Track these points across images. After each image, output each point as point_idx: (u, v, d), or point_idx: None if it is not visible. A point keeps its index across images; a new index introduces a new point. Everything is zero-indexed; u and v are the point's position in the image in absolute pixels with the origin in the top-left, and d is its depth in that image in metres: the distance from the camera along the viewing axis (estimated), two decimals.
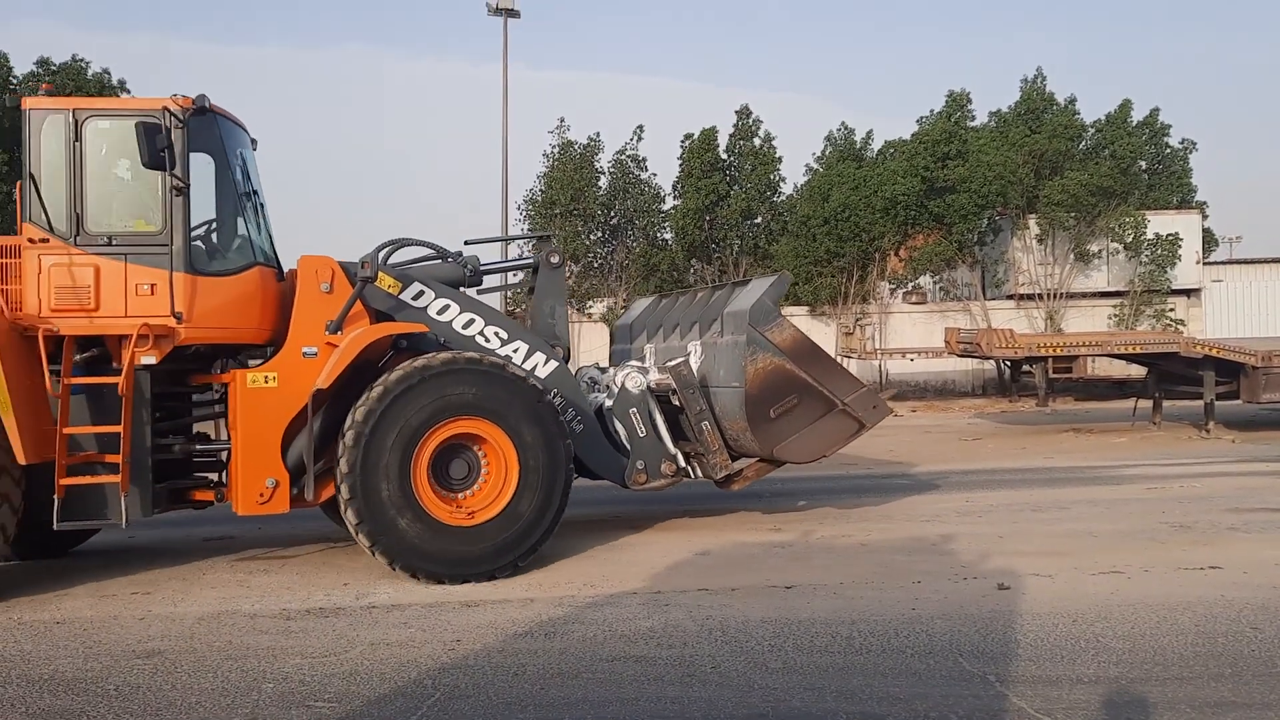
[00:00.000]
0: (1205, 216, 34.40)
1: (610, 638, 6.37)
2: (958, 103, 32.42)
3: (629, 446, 9.57)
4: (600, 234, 32.70)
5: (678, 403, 9.63)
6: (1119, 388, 20.70)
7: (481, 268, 9.88)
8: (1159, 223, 31.02)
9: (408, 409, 8.05)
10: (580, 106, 69.67)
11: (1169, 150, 35.23)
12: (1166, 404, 18.98)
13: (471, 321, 9.18)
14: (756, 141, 32.38)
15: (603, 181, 32.64)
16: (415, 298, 9.01)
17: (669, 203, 32.98)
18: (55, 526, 7.62)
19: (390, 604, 7.38)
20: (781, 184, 32.98)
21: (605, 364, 12.01)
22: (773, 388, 9.42)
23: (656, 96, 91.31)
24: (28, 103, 7.98)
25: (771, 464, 10.08)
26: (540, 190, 32.45)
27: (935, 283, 33.53)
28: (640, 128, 33.19)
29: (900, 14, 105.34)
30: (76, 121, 7.86)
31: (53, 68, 27.74)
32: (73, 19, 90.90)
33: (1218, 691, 5.16)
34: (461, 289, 9.51)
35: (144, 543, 10.02)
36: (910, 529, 9.79)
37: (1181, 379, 18.02)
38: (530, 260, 10.51)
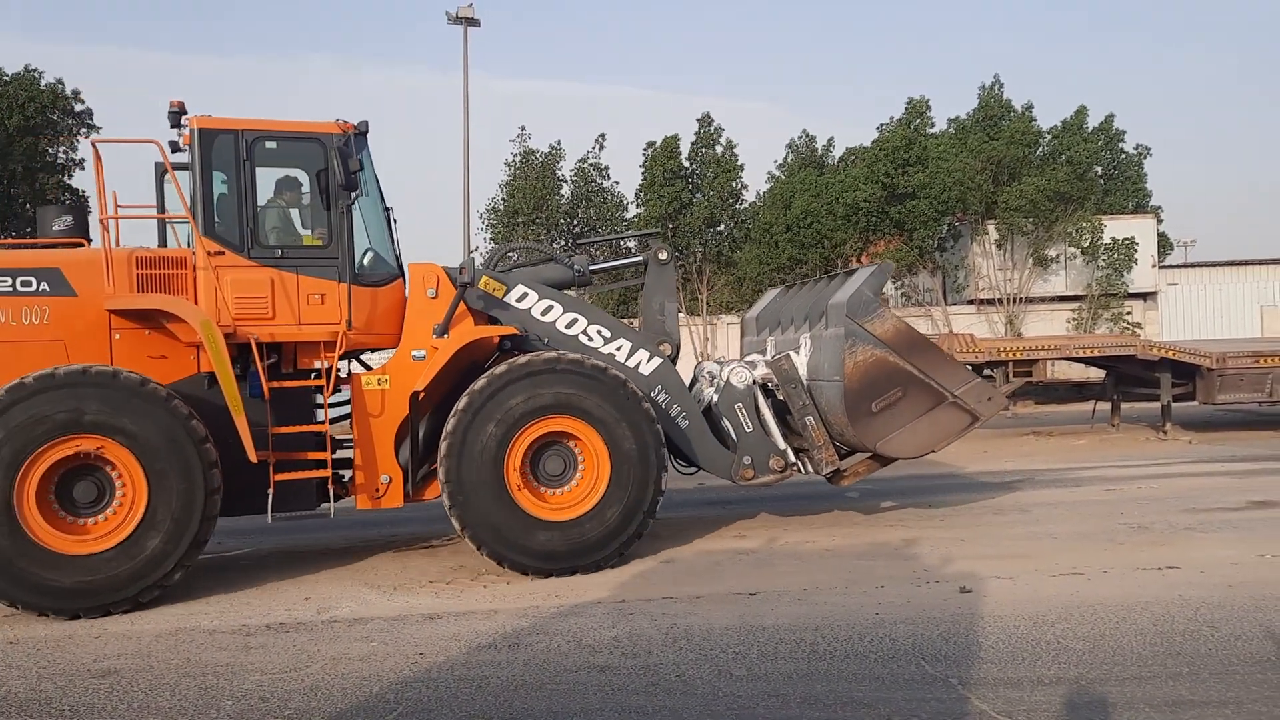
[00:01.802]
0: (1160, 221, 34.93)
1: (574, 648, 6.35)
2: (917, 110, 32.76)
3: (736, 441, 9.61)
4: (563, 243, 32.67)
5: (782, 397, 9.65)
6: (1078, 390, 20.92)
7: (591, 268, 10.19)
8: (1115, 227, 31.47)
9: (507, 402, 8.41)
10: (542, 115, 69.61)
11: (1124, 155, 35.82)
12: (1125, 406, 19.23)
13: (574, 321, 9.46)
14: (718, 149, 32.51)
15: (565, 190, 32.64)
16: (519, 300, 9.34)
17: (632, 211, 33.02)
18: (269, 519, 8.25)
19: (352, 618, 7.30)
20: (744, 191, 33.14)
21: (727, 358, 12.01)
22: (874, 381, 9.27)
23: (618, 105, 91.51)
24: (197, 122, 8.29)
25: (881, 459, 9.96)
26: (502, 199, 32.39)
27: (897, 288, 33.82)
28: (602, 136, 33.29)
29: (860, 21, 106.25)
30: (246, 142, 8.30)
31: (4, 78, 27.32)
32: (24, 28, 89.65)
33: (1175, 690, 5.22)
34: (571, 290, 9.83)
35: None
36: (874, 534, 9.84)
37: (1139, 381, 18.25)
38: (639, 258, 10.69)
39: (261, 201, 8.51)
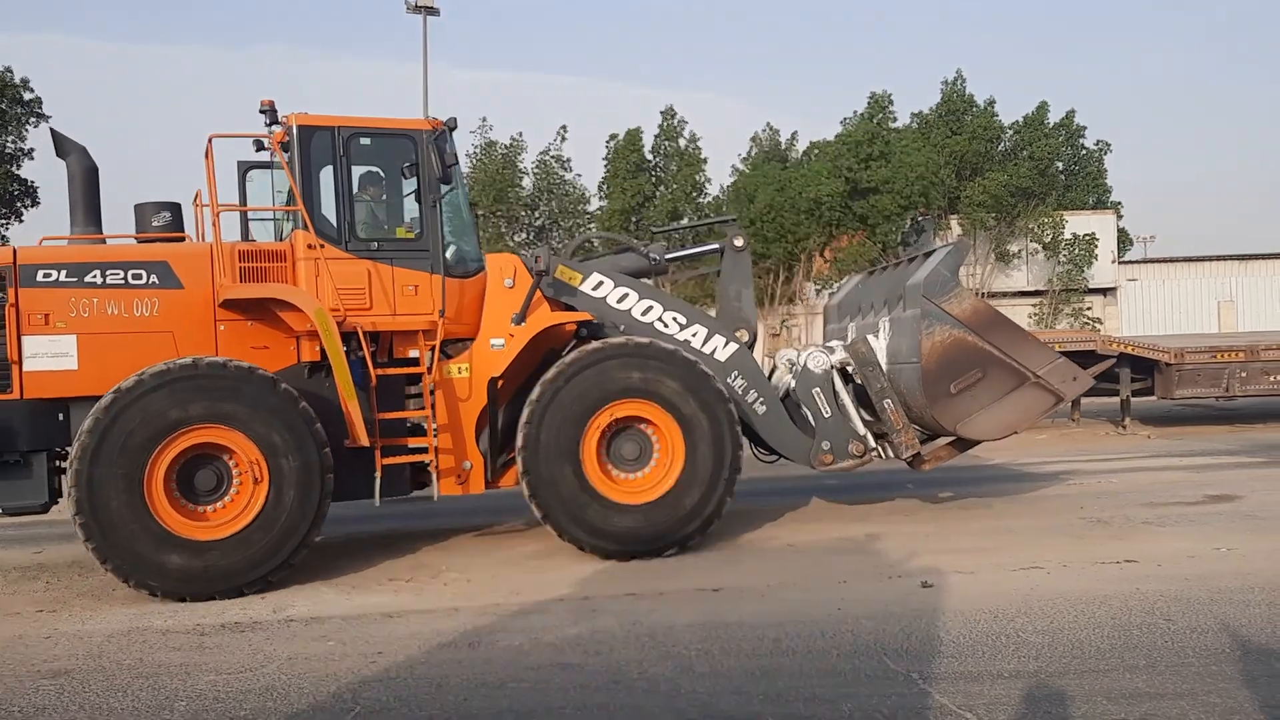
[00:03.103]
0: (1120, 217, 35.40)
1: (536, 646, 6.30)
2: (880, 104, 32.92)
3: (815, 427, 9.61)
4: (525, 235, 32.54)
5: (860, 381, 9.64)
6: None
7: (667, 257, 10.35)
8: (1076, 223, 31.83)
9: (580, 388, 8.63)
10: (503, 106, 69.35)
11: (1085, 151, 36.20)
12: (1085, 401, 19.41)
13: (650, 308, 9.59)
14: (682, 142, 32.54)
15: (526, 182, 32.52)
16: (595, 288, 9.52)
17: (595, 204, 32.94)
18: (377, 503, 8.53)
19: (309, 617, 7.20)
20: (707, 185, 33.17)
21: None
22: (952, 362, 9.19)
23: (580, 97, 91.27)
24: (296, 119, 8.54)
25: (963, 443, 9.90)
26: None
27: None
28: (564, 128, 33.20)
29: (824, 14, 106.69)
30: (343, 138, 8.58)
31: None
32: None
33: (1133, 683, 5.26)
34: (649, 278, 10.00)
35: (52, 560, 9.66)
36: (837, 529, 9.86)
37: (1098, 376, 18.44)
38: (716, 246, 10.73)
39: (361, 195, 8.88)
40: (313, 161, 8.54)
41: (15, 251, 8.19)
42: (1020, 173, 31.21)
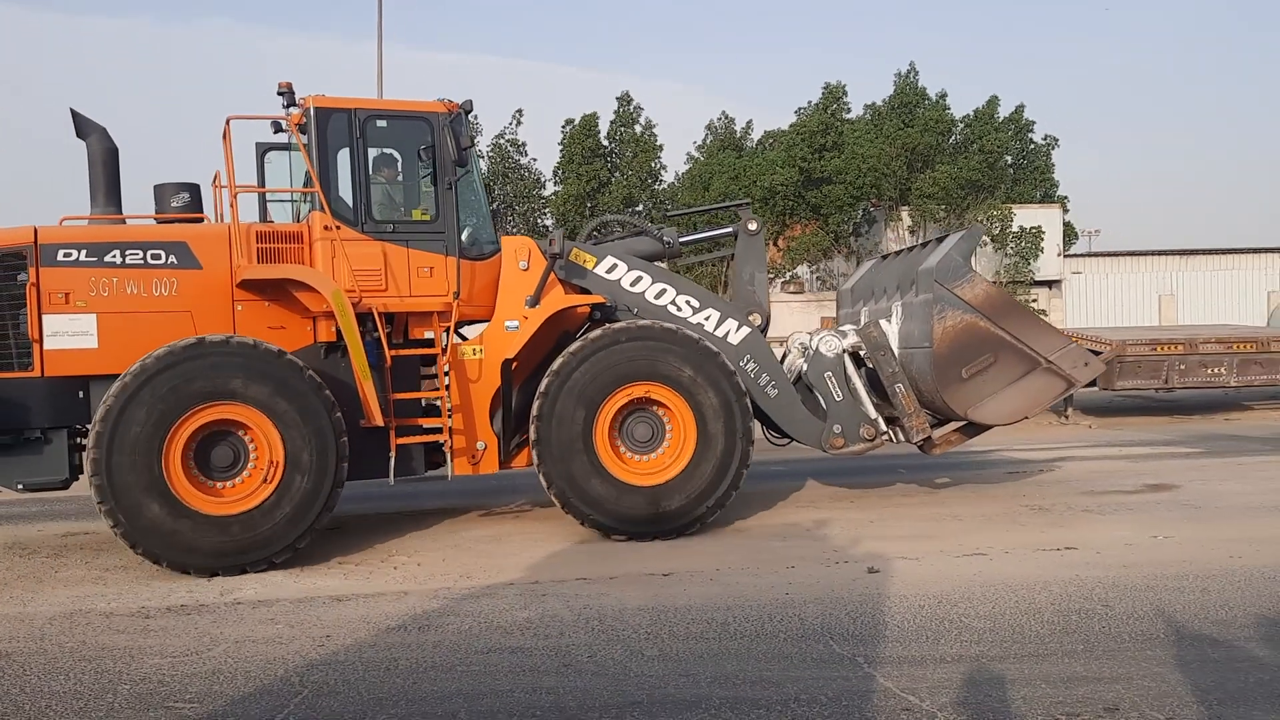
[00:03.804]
0: (1066, 211, 35.94)
1: (485, 629, 6.30)
2: (834, 95, 33.10)
3: (826, 410, 9.66)
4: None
5: (872, 365, 9.68)
6: None
7: (681, 240, 10.41)
8: (1023, 216, 32.26)
9: (597, 367, 8.78)
10: (458, 89, 68.51)
11: (1033, 146, 36.68)
12: None
13: (664, 292, 9.64)
14: (638, 129, 32.48)
15: (481, 165, 32.29)
16: (609, 271, 9.59)
17: (550, 189, 32.81)
18: (391, 482, 8.64)
19: (257, 600, 7.15)
20: (663, 172, 33.18)
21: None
22: (964, 347, 9.24)
23: (537, 81, 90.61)
24: (312, 101, 8.59)
25: (976, 428, 9.95)
26: None
27: (812, 273, 34.21)
28: (519, 112, 33.03)
29: (779, 3, 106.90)
30: (359, 120, 8.62)
31: None
32: None
33: (1071, 667, 5.38)
34: (662, 261, 10.05)
35: None
36: (785, 515, 9.96)
37: None
38: (729, 229, 10.75)
39: (377, 177, 8.94)
40: (329, 143, 8.62)
41: (36, 231, 8.22)
42: (970, 166, 31.56)
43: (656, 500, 8.86)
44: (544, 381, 8.77)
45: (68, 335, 8.13)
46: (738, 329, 9.67)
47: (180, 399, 7.67)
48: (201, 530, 7.70)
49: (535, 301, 9.10)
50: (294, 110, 8.82)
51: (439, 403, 8.91)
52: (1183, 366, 17.68)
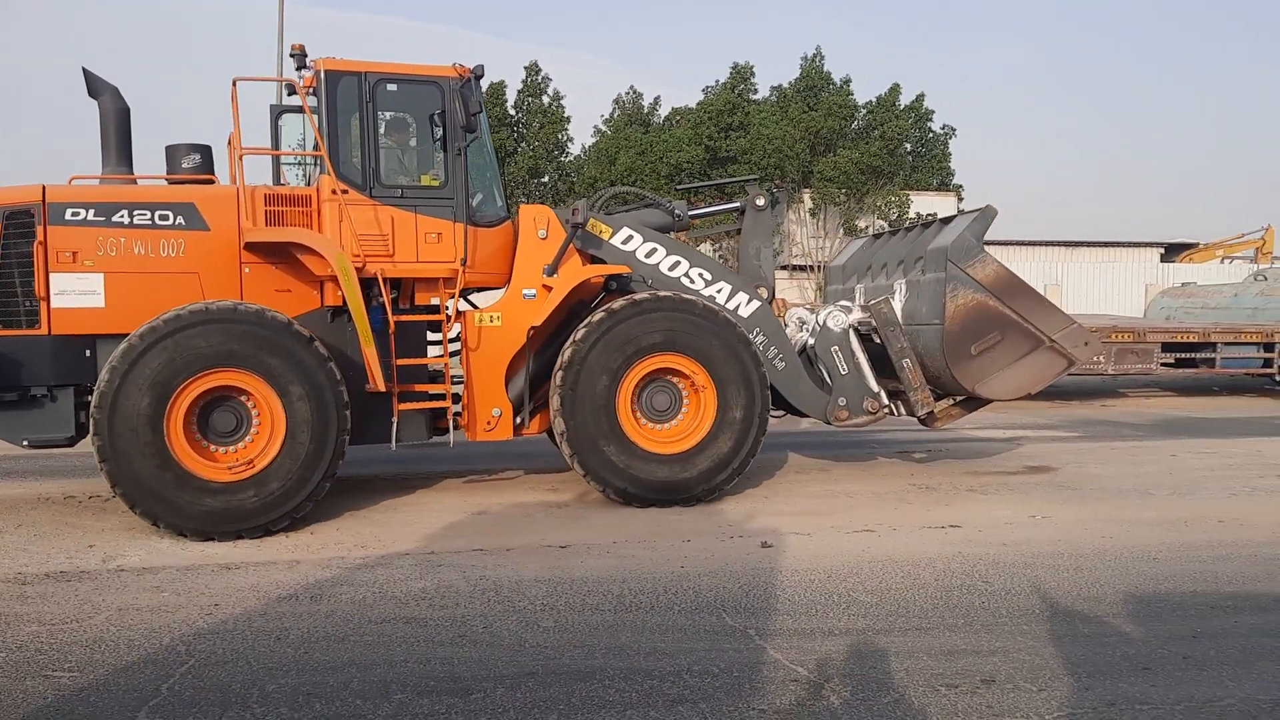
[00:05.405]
0: (961, 199, 36.90)
1: (380, 599, 6.25)
2: (742, 75, 33.34)
3: (831, 384, 9.79)
4: None
5: (879, 340, 9.74)
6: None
7: (690, 214, 10.43)
8: (921, 202, 33.07)
9: (622, 337, 8.89)
10: (362, 49, 66.88)
11: (932, 134, 37.53)
12: None
13: (677, 264, 9.79)
14: (545, 99, 32.20)
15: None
16: (624, 242, 9.69)
17: None
18: (394, 447, 8.71)
19: (141, 567, 6.96)
20: (569, 144, 33.00)
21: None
22: (974, 324, 9.41)
23: (443, 45, 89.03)
24: (322, 64, 8.53)
25: (975, 402, 10.12)
26: None
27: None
28: None
29: None
30: (369, 84, 8.58)
31: None
32: None
33: (951, 640, 5.59)
34: (671, 234, 10.04)
35: None
36: None
37: None
38: (737, 204, 10.79)
39: (386, 142, 8.89)
40: (339, 107, 8.57)
41: (44, 189, 8.16)
42: (871, 151, 32.13)
43: (677, 468, 9.06)
44: (568, 350, 8.86)
45: (75, 294, 8.12)
46: (748, 302, 9.89)
47: (186, 362, 7.63)
48: (201, 494, 7.66)
49: (554, 270, 9.18)
50: (306, 73, 8.75)
51: (444, 369, 8.94)
52: None
